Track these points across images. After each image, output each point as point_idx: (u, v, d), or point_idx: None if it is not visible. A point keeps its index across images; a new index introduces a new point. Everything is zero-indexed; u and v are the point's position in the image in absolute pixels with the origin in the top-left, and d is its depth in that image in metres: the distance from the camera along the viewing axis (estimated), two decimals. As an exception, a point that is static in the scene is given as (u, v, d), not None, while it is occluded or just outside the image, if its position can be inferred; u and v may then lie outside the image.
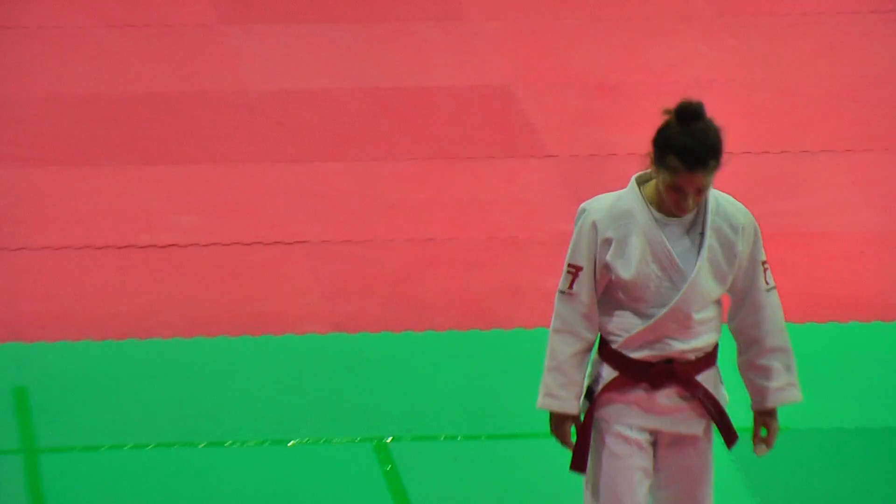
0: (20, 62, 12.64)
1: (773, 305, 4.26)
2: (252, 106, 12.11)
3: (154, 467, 7.26)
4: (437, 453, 7.66)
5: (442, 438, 7.69)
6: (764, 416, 4.32)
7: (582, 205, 4.27)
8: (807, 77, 12.66)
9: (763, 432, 4.33)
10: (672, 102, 4.14)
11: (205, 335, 8.78)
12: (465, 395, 8.24)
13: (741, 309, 4.26)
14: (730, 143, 4.16)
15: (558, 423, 4.27)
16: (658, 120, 4.15)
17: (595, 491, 4.29)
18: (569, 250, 4.22)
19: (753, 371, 4.29)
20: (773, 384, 4.29)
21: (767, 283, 4.26)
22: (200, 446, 7.42)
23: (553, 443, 4.33)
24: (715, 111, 4.15)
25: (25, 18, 13.09)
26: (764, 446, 4.34)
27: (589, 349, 4.24)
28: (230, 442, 7.48)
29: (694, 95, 4.20)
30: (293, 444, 7.50)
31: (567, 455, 4.29)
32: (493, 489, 7.14)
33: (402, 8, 13.70)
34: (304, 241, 10.20)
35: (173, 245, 9.94)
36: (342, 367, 8.50)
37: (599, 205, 4.21)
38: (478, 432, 7.80)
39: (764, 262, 4.25)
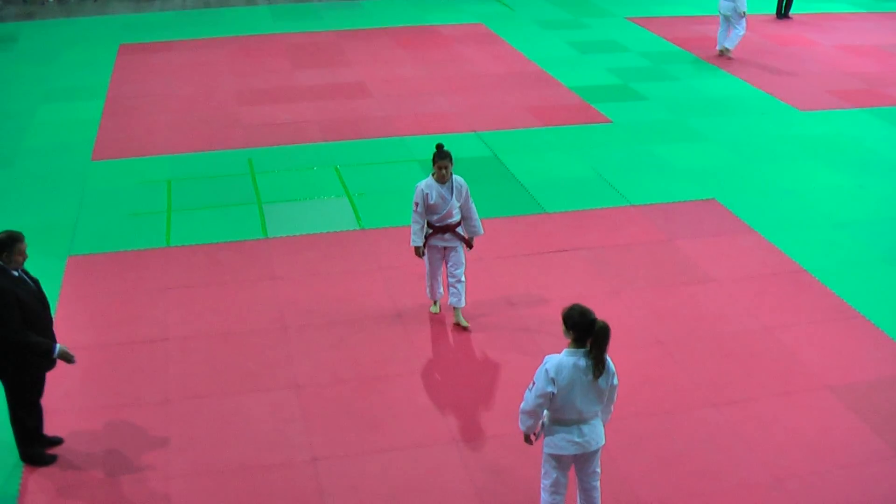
0: None
1: (475, 208, 10.70)
2: None
3: None
4: None
5: None
6: (471, 240, 10.76)
7: (417, 184, 10.47)
8: None
9: (469, 246, 10.80)
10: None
11: None
12: None
13: (464, 209, 10.57)
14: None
15: (416, 249, 10.54)
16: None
17: (427, 263, 10.79)
18: (413, 201, 10.42)
19: (467, 226, 10.66)
20: (473, 231, 10.74)
21: (472, 199, 10.64)
22: None
23: None
24: None
25: None
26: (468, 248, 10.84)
27: (425, 224, 10.50)
28: None
29: None
30: None
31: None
32: None
33: None
34: None
35: None
36: None
37: (423, 183, 10.42)
38: None
39: (468, 192, 10.60)
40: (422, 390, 9.67)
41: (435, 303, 11.07)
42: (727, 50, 21.52)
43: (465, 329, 10.74)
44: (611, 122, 17.36)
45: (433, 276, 10.83)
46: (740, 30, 21.25)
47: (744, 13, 21.09)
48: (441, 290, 11.03)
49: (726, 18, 21.29)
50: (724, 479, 8.48)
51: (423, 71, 20.44)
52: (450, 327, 10.75)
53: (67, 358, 8.31)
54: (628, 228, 13.13)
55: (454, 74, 20.20)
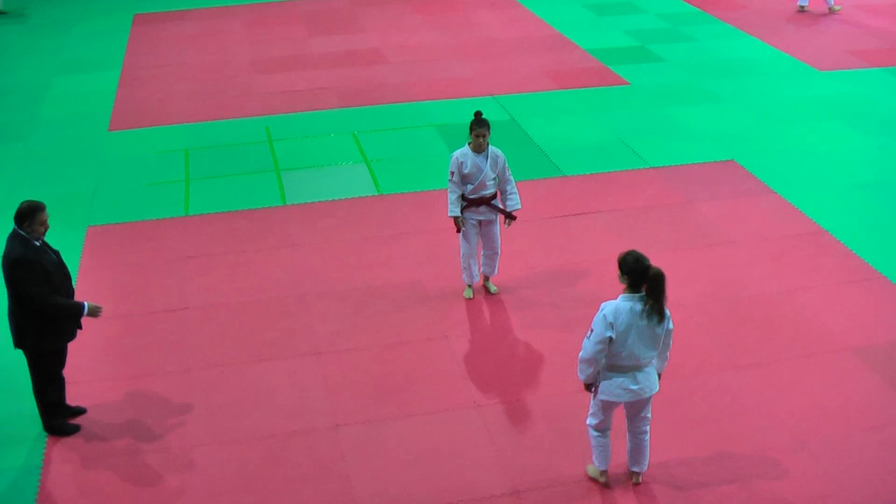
0: None
1: (511, 178, 10.17)
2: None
3: None
4: None
5: None
6: (511, 215, 10.18)
7: (453, 153, 10.00)
8: None
9: (509, 221, 10.25)
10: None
11: None
12: None
13: (500, 181, 10.08)
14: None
15: (455, 220, 10.07)
16: None
17: (463, 240, 10.29)
18: (449, 170, 10.02)
19: (505, 198, 10.14)
20: (511, 203, 10.18)
21: (509, 171, 10.13)
22: None
23: None
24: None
25: None
26: (510, 223, 10.28)
27: (461, 196, 10.05)
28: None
29: None
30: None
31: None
32: None
33: None
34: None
35: None
36: None
37: (459, 152, 9.97)
38: None
39: (506, 164, 10.10)
40: (442, 356, 9.66)
41: (469, 286, 10.66)
42: (803, 8, 21.80)
43: (492, 294, 10.65)
44: (629, 84, 17.23)
45: (470, 254, 10.40)
46: None
47: None
48: (477, 271, 10.63)
49: None
50: (747, 442, 8.45)
51: (439, 36, 20.32)
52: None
53: (96, 312, 8.33)
54: (647, 191, 13.05)
55: (470, 39, 20.07)
